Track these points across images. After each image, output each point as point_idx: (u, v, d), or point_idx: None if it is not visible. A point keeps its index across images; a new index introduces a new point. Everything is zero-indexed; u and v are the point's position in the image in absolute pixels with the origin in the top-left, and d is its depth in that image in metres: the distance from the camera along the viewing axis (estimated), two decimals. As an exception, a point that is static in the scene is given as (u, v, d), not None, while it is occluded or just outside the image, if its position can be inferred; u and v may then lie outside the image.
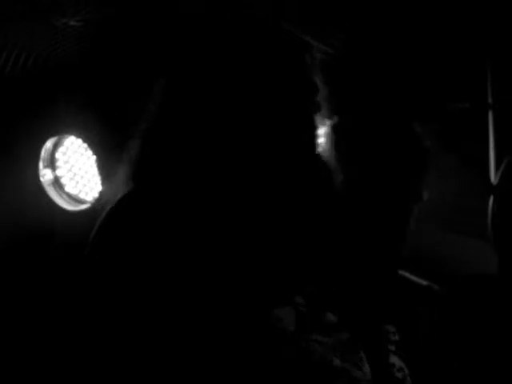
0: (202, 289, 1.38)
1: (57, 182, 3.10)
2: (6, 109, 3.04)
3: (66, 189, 3.10)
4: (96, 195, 3.03)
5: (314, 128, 1.52)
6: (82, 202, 3.08)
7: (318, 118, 1.53)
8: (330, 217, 1.55)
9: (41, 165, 3.08)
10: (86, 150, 3.06)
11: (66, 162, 3.11)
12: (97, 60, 2.96)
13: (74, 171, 3.11)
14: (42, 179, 3.08)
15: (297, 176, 1.49)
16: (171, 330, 1.37)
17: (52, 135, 3.08)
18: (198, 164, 1.47)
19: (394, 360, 1.54)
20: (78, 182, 3.10)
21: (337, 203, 1.57)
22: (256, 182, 1.46)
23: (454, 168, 2.78)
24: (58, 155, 3.11)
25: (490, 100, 2.78)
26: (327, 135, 1.66)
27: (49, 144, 3.09)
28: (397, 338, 1.57)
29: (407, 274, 2.13)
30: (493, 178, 2.75)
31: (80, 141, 3.05)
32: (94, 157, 3.00)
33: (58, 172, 3.11)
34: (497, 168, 2.80)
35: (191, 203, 1.44)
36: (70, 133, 3.06)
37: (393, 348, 1.55)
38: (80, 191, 3.09)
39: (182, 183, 1.48)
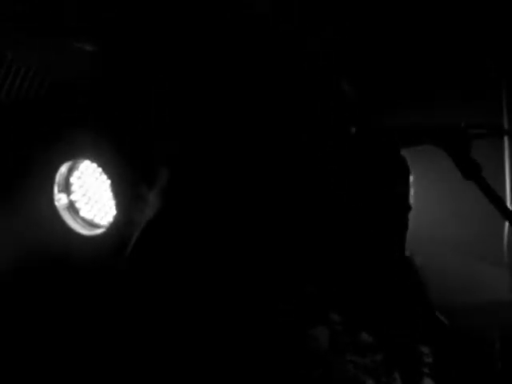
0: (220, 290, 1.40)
1: (72, 207, 3.10)
2: (21, 133, 3.05)
3: (81, 213, 3.10)
4: (111, 219, 3.02)
5: (317, 129, 1.52)
6: (96, 226, 3.07)
7: (326, 121, 1.53)
8: (331, 218, 1.55)
9: (56, 189, 3.08)
10: (100, 174, 3.06)
11: (81, 187, 3.11)
12: (111, 84, 2.98)
13: (89, 195, 3.10)
14: (56, 204, 3.08)
15: (296, 178, 1.50)
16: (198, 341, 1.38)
17: (67, 160, 3.09)
18: (219, 180, 1.48)
19: (428, 382, 1.53)
20: (92, 207, 3.09)
21: (337, 204, 1.57)
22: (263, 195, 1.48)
23: (469, 194, 2.78)
24: (72, 180, 3.11)
25: (505, 126, 2.79)
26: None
27: (63, 169, 3.09)
28: (431, 359, 1.55)
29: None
30: (509, 203, 2.75)
31: (95, 165, 3.05)
32: (109, 181, 3.00)
33: (73, 196, 3.11)
34: (513, 194, 2.80)
35: (213, 218, 1.47)
36: (85, 157, 3.07)
37: (427, 370, 1.53)
38: (95, 215, 3.08)
39: (206, 202, 1.50)
